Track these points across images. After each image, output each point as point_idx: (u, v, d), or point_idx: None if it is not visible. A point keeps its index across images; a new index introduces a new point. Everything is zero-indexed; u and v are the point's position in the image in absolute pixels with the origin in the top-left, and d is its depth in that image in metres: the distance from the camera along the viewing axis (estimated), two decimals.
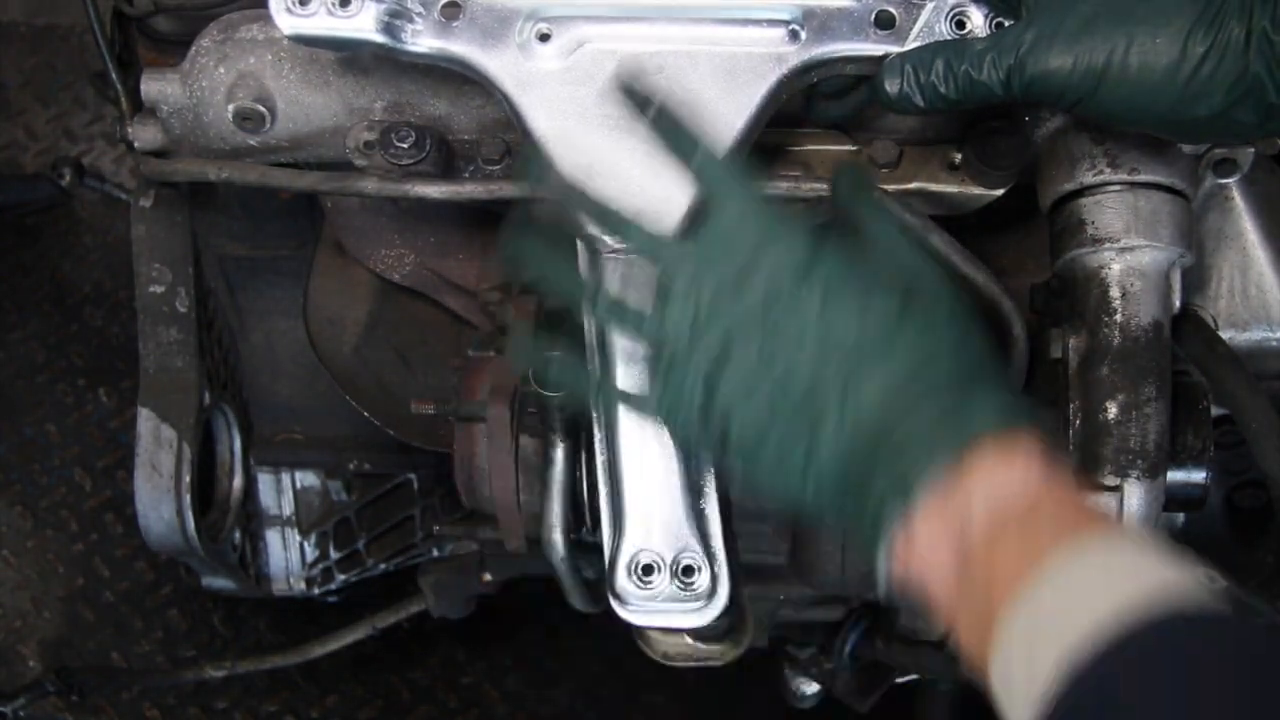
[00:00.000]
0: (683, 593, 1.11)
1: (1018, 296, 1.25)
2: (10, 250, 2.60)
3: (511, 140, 1.27)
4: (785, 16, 1.12)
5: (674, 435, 1.05)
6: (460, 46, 1.13)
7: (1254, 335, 1.34)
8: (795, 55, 1.12)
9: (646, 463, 1.12)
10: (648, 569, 1.11)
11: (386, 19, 1.11)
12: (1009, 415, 0.89)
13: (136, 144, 1.35)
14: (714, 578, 1.11)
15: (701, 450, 1.06)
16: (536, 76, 1.13)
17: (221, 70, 1.28)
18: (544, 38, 1.13)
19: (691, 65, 1.12)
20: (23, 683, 2.00)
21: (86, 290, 2.57)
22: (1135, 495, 1.15)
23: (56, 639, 2.20)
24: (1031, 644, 0.75)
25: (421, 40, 1.13)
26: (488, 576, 1.77)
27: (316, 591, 1.88)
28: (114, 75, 1.36)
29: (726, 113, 1.11)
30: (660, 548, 1.11)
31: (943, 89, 1.06)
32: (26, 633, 2.20)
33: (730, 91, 1.12)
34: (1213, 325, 1.31)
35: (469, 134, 1.30)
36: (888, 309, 0.91)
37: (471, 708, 2.17)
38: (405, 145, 1.24)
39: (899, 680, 1.66)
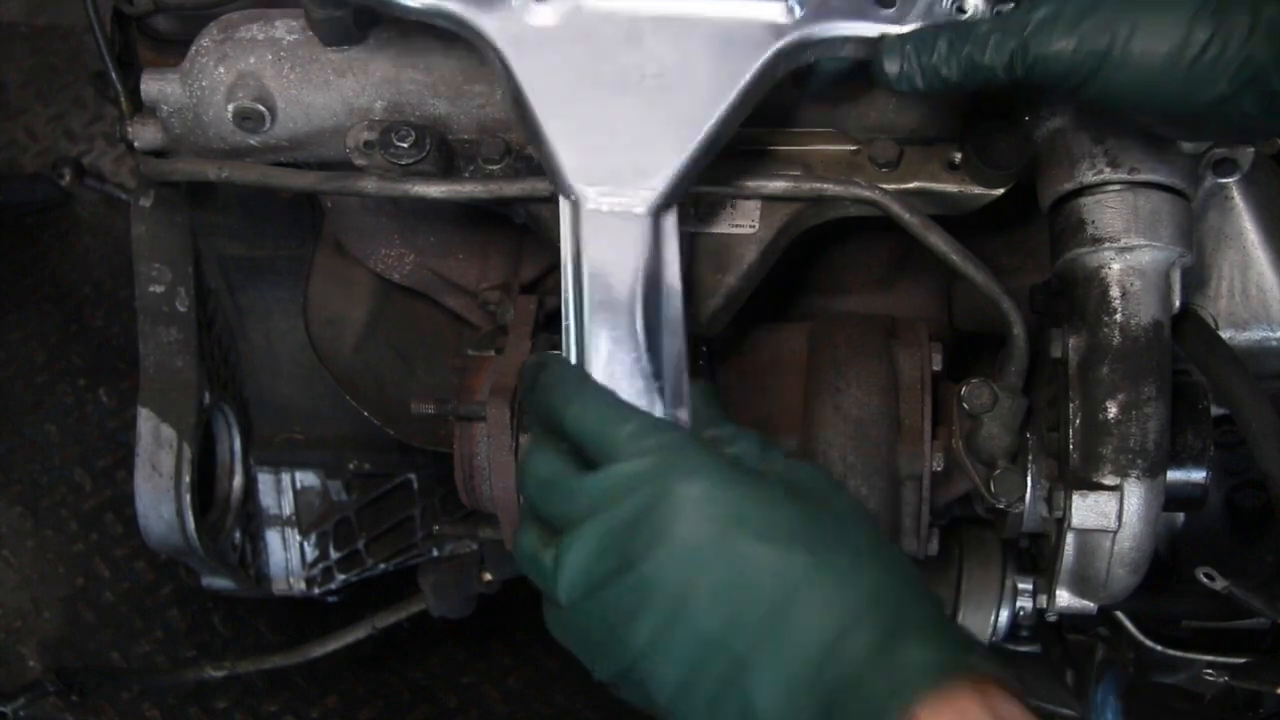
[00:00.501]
0: None
1: (1018, 296, 1.25)
2: (10, 250, 2.60)
3: (511, 140, 1.27)
4: None
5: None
6: (454, 3, 1.09)
7: (1254, 335, 1.34)
8: (793, 30, 1.09)
9: None
10: None
11: None
12: (946, 663, 0.79)
13: (136, 144, 1.35)
14: None
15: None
16: (531, 34, 1.09)
17: (221, 70, 1.28)
18: None
19: (687, 30, 1.09)
20: (23, 683, 2.00)
21: (86, 290, 2.58)
22: (1135, 495, 1.15)
23: (56, 639, 2.20)
24: None
25: None
26: (488, 576, 1.77)
27: (316, 591, 1.88)
28: (114, 75, 1.36)
29: (719, 81, 1.08)
30: None
31: (944, 71, 1.04)
32: (26, 633, 2.21)
33: (724, 59, 1.08)
34: (1213, 325, 1.32)
35: (469, 134, 1.30)
36: (793, 555, 0.83)
37: (471, 708, 2.17)
38: (405, 145, 1.23)
39: None
